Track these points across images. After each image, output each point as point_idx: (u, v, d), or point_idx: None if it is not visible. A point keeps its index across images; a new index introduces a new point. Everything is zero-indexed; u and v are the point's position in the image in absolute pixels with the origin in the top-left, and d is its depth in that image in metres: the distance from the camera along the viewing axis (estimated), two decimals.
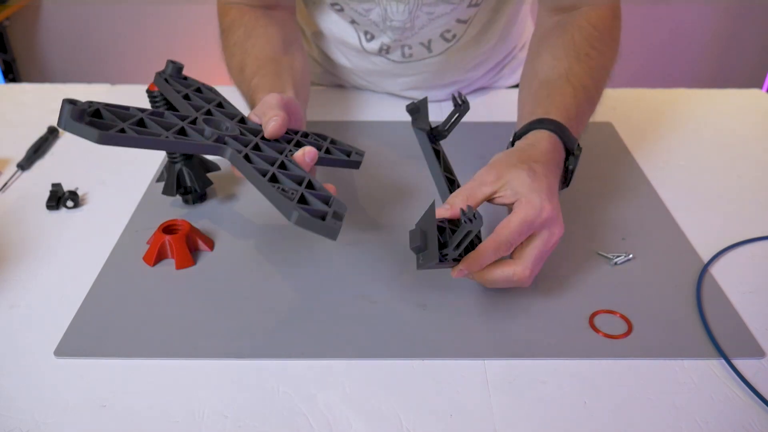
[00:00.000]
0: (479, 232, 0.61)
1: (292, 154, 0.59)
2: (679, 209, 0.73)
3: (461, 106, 0.66)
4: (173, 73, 0.66)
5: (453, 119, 0.67)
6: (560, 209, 0.59)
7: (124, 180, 0.77)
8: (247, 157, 0.56)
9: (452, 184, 0.65)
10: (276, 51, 0.78)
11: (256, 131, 0.62)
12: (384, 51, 0.90)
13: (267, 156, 0.57)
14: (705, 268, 0.63)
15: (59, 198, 0.72)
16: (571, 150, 0.65)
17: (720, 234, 0.69)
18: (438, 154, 0.67)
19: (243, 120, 0.63)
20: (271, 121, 0.61)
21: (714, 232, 0.69)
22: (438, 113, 0.95)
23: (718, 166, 0.82)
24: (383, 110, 0.96)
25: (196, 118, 0.59)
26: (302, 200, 0.53)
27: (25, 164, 0.80)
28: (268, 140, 0.61)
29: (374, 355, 0.53)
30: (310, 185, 0.56)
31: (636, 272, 0.63)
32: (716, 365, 0.53)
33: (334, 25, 0.90)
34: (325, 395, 0.50)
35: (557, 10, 0.79)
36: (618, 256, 0.64)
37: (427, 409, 0.49)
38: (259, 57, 0.76)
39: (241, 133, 0.60)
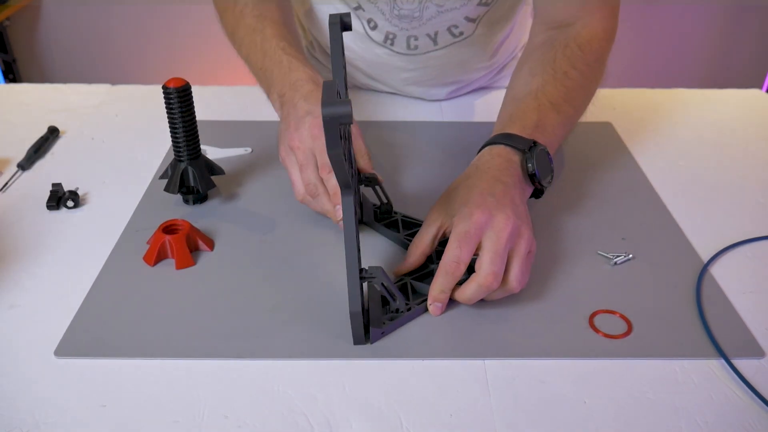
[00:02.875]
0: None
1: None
2: (679, 209, 0.73)
3: (367, 181, 0.67)
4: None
5: (379, 193, 0.68)
6: (507, 207, 0.58)
7: (124, 180, 0.77)
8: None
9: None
10: (289, 18, 0.81)
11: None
12: (389, 41, 0.89)
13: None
14: (705, 268, 0.63)
15: (59, 198, 0.72)
16: (523, 150, 0.64)
17: (720, 234, 0.69)
18: (396, 223, 0.68)
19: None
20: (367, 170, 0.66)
21: (714, 232, 0.69)
22: (438, 113, 0.95)
23: (718, 166, 0.82)
24: (384, 110, 0.96)
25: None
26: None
27: (25, 164, 0.80)
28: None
29: (374, 355, 0.53)
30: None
31: (636, 272, 0.63)
32: (716, 365, 0.53)
33: (339, 9, 0.90)
34: (325, 395, 0.50)
35: (550, 26, 0.79)
36: (618, 256, 0.64)
37: (427, 409, 0.49)
38: (277, 22, 0.78)
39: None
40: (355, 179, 0.60)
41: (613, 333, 0.55)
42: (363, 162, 0.67)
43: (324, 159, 0.65)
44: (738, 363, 0.53)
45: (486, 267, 0.55)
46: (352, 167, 0.57)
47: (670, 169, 0.81)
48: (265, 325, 0.56)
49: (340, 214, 0.65)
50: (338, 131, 0.45)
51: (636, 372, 0.52)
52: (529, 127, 0.67)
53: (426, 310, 0.57)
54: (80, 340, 0.54)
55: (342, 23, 0.57)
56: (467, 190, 0.61)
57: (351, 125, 0.60)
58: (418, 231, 0.63)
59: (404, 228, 0.67)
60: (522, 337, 0.55)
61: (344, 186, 0.52)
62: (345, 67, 0.58)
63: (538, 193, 0.66)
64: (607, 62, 0.78)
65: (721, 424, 0.48)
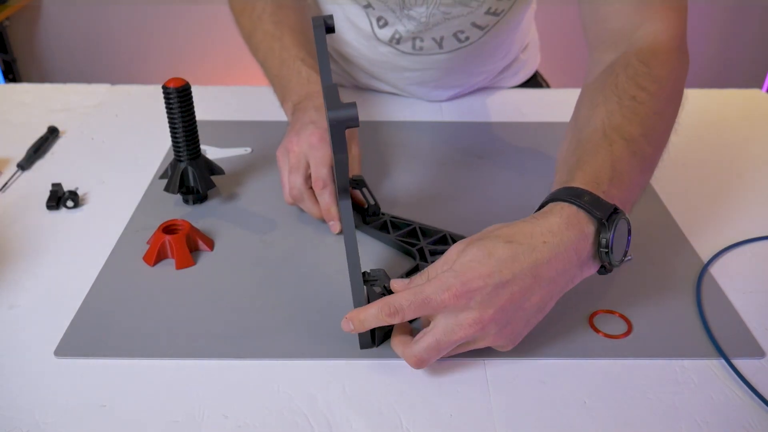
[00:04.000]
0: None
1: None
2: (679, 209, 0.73)
3: (354, 183, 0.67)
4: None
5: (366, 195, 0.68)
6: (493, 306, 0.47)
7: (124, 180, 0.77)
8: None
9: (409, 245, 0.65)
10: (306, 25, 0.80)
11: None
12: (395, 41, 0.89)
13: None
14: (705, 268, 0.63)
15: (59, 198, 0.72)
16: (601, 219, 0.50)
17: (720, 234, 0.69)
18: (385, 224, 0.67)
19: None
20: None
21: (714, 232, 0.69)
22: (438, 113, 0.95)
23: (718, 166, 0.82)
24: (385, 110, 0.96)
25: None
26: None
27: (25, 164, 0.80)
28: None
29: (374, 355, 0.53)
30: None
31: (636, 272, 0.63)
32: (716, 365, 0.53)
33: (347, 9, 0.90)
34: (325, 395, 0.50)
35: (606, 43, 0.67)
36: None
37: (427, 409, 0.49)
38: (294, 29, 0.78)
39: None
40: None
41: (613, 333, 0.55)
42: (355, 166, 0.68)
43: (318, 173, 0.65)
44: (738, 363, 0.53)
45: (416, 348, 0.49)
46: None
47: (670, 169, 0.81)
48: (265, 325, 0.56)
49: (334, 228, 0.66)
50: (344, 135, 0.45)
51: (636, 372, 0.52)
52: (604, 179, 0.53)
53: None
54: (80, 340, 0.54)
55: (326, 25, 0.57)
56: (486, 253, 0.48)
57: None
58: (407, 231, 0.64)
59: (394, 228, 0.67)
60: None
61: (343, 190, 0.52)
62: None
63: (602, 271, 0.53)
64: (685, 78, 0.64)
65: (721, 424, 0.48)
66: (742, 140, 0.89)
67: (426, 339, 0.49)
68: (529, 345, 0.54)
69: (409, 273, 0.61)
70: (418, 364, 0.49)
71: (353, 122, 0.44)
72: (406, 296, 0.48)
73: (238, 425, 0.47)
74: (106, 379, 0.51)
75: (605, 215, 0.50)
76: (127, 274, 0.62)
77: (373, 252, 0.66)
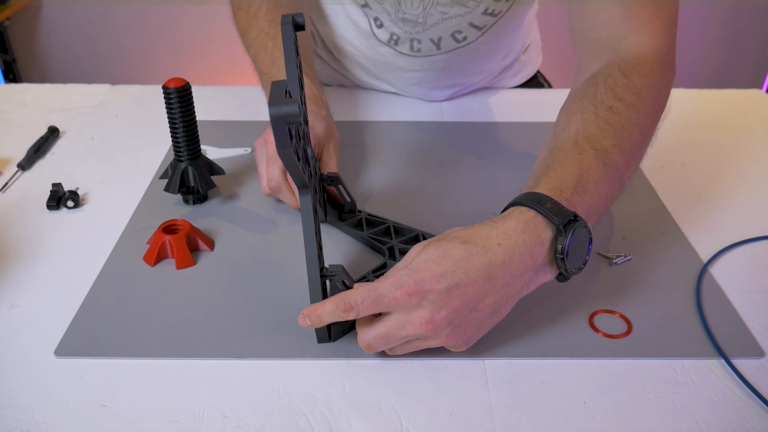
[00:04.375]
0: None
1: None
2: (679, 209, 0.73)
3: (329, 180, 0.67)
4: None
5: (342, 192, 0.68)
6: (448, 307, 0.47)
7: (124, 180, 0.77)
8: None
9: (380, 242, 0.65)
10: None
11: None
12: (393, 42, 0.89)
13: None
14: (705, 268, 0.63)
15: (59, 198, 0.72)
16: (559, 225, 0.50)
17: (720, 234, 0.69)
18: (360, 222, 0.68)
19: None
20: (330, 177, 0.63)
21: (714, 232, 0.69)
22: (438, 113, 0.95)
23: (718, 166, 0.82)
24: (384, 110, 0.96)
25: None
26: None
27: (25, 164, 0.80)
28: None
29: (374, 355, 0.53)
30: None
31: (636, 272, 0.63)
32: (716, 365, 0.53)
33: (347, 6, 0.90)
34: (325, 395, 0.50)
35: (593, 53, 0.67)
36: (618, 256, 0.64)
37: (427, 409, 0.49)
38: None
39: (309, 175, 0.56)
40: (315, 178, 0.61)
41: (613, 333, 0.55)
42: (331, 163, 0.68)
43: None
44: (738, 363, 0.53)
45: (367, 333, 0.50)
46: (309, 166, 0.57)
47: (670, 169, 0.81)
48: (265, 325, 0.56)
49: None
50: (287, 130, 0.45)
51: (636, 372, 0.52)
52: (567, 187, 0.53)
53: None
54: (80, 340, 0.54)
55: (294, 23, 0.56)
56: (441, 253, 0.48)
57: (303, 124, 0.59)
58: (381, 229, 0.65)
59: (368, 226, 0.67)
60: (522, 337, 0.55)
61: (300, 185, 0.52)
62: (300, 67, 0.58)
63: (561, 278, 0.53)
64: (668, 92, 0.65)
65: (721, 424, 0.48)
66: (742, 140, 0.89)
67: (377, 327, 0.49)
68: (529, 345, 0.54)
69: (376, 270, 0.61)
70: (366, 348, 0.50)
71: (294, 118, 0.45)
72: (361, 293, 0.48)
73: (238, 425, 0.47)
74: (106, 379, 0.51)
75: (563, 221, 0.50)
76: (127, 274, 0.62)
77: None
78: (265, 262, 0.64)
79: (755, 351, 0.54)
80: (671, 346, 0.54)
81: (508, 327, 0.56)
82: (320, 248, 0.55)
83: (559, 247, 0.50)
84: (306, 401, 0.49)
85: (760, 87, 2.21)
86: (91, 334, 0.55)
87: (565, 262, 0.51)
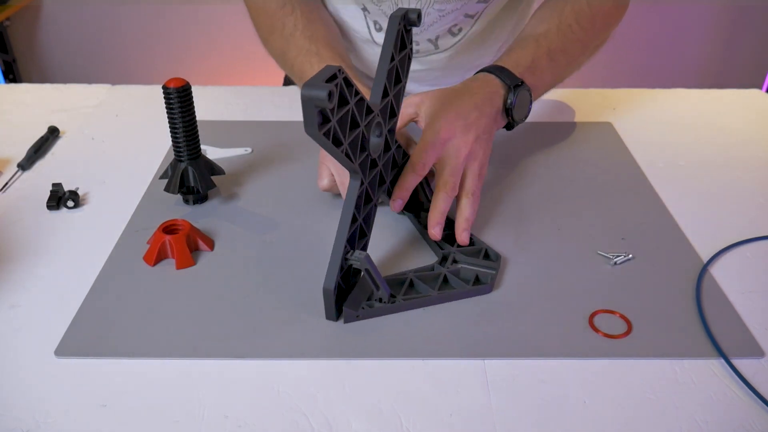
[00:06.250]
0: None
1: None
2: (679, 209, 0.73)
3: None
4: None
5: (426, 191, 0.69)
6: (471, 132, 0.66)
7: (124, 180, 0.77)
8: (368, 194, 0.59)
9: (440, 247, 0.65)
10: (336, 36, 0.85)
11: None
12: None
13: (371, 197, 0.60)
14: (705, 267, 0.63)
15: (59, 198, 0.72)
16: (510, 86, 0.70)
17: (720, 234, 0.69)
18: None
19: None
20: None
21: (714, 232, 0.69)
22: None
23: (718, 166, 0.82)
24: None
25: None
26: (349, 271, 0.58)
27: (25, 164, 0.80)
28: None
29: (374, 355, 0.53)
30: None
31: (636, 272, 0.63)
32: (716, 365, 0.53)
33: (344, 11, 0.90)
34: (325, 395, 0.50)
35: None
36: (618, 256, 0.64)
37: (427, 409, 0.49)
38: (327, 42, 0.80)
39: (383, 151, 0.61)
40: (384, 166, 0.62)
41: (613, 333, 0.55)
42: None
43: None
44: (738, 363, 0.53)
45: (446, 177, 0.64)
46: (367, 152, 0.57)
47: (670, 169, 0.81)
48: (265, 325, 0.56)
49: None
50: (314, 112, 0.47)
51: (636, 372, 0.52)
52: (522, 66, 0.73)
53: (416, 306, 0.58)
54: (80, 340, 0.54)
55: (406, 19, 0.59)
56: (448, 103, 0.68)
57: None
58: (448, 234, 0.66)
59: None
60: (522, 337, 0.55)
61: (351, 171, 0.56)
62: (399, 62, 0.60)
63: (509, 126, 0.74)
64: (613, 29, 0.84)
65: (721, 424, 0.48)
66: (742, 140, 0.89)
67: (443, 171, 0.65)
68: (529, 345, 0.54)
69: (418, 271, 0.61)
70: (453, 187, 0.64)
71: (321, 102, 0.47)
72: (417, 150, 0.64)
73: (238, 425, 0.47)
74: (106, 379, 0.51)
75: (512, 84, 0.71)
76: (127, 274, 0.62)
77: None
78: (265, 262, 0.64)
79: (755, 351, 0.54)
80: (671, 346, 0.54)
81: (508, 327, 0.56)
82: (363, 234, 0.60)
83: (509, 100, 0.71)
84: (306, 401, 0.49)
85: (760, 87, 2.21)
86: (91, 334, 0.55)
87: (512, 112, 0.71)
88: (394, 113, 0.61)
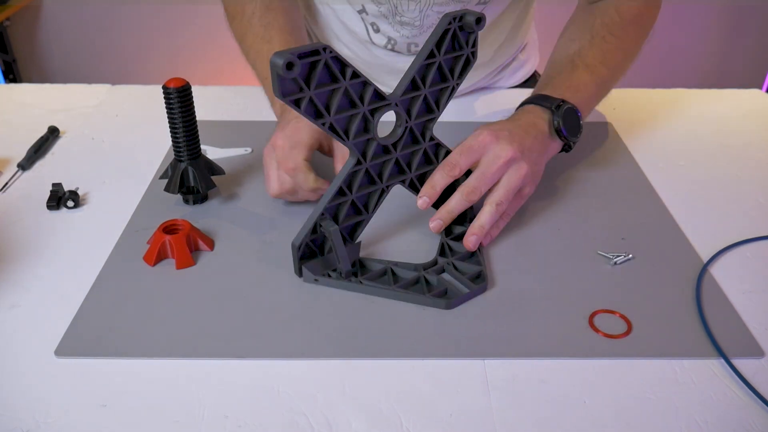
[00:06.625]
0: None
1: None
2: (679, 209, 0.73)
3: None
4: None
5: None
6: (515, 142, 0.64)
7: (124, 180, 0.77)
8: (368, 172, 0.61)
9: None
10: (296, 26, 0.82)
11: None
12: (390, 45, 0.89)
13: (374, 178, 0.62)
14: (704, 267, 0.63)
15: (60, 198, 0.72)
16: (549, 108, 0.70)
17: (719, 234, 0.69)
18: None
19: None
20: None
21: (714, 232, 0.69)
22: None
23: (718, 166, 0.82)
24: None
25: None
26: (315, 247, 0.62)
27: (25, 164, 0.80)
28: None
29: (374, 355, 0.53)
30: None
31: (636, 272, 0.63)
32: (716, 365, 0.53)
33: (341, 12, 0.90)
34: (325, 395, 0.50)
35: (594, 0, 0.81)
36: (618, 256, 0.64)
37: (427, 409, 0.49)
38: (283, 29, 0.79)
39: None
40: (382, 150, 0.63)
41: (613, 333, 0.55)
42: (340, 164, 0.69)
43: (311, 145, 0.67)
44: (738, 363, 0.53)
45: (471, 180, 0.63)
46: (370, 134, 0.60)
47: (670, 169, 0.81)
48: (265, 325, 0.56)
49: (324, 185, 0.67)
50: (276, 77, 0.51)
51: (636, 372, 0.52)
52: (561, 87, 0.73)
53: (373, 294, 0.59)
54: (80, 340, 0.54)
55: (462, 20, 0.60)
56: (486, 127, 0.66)
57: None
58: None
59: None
60: (522, 337, 0.55)
61: (348, 147, 0.59)
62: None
63: (566, 148, 0.72)
64: (650, 29, 0.81)
65: (721, 424, 0.48)
66: (742, 140, 0.89)
67: (473, 177, 0.63)
68: (529, 345, 0.54)
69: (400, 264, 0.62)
70: (473, 191, 0.63)
71: (278, 69, 0.50)
72: (455, 153, 0.63)
73: (238, 425, 0.47)
74: (106, 379, 0.51)
75: (553, 105, 0.70)
76: (127, 274, 0.62)
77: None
78: (265, 262, 0.64)
79: (755, 351, 0.54)
80: (671, 346, 0.54)
81: (508, 327, 0.56)
82: (357, 212, 0.63)
83: (555, 122, 0.69)
84: (306, 401, 0.49)
85: (760, 87, 2.21)
86: (91, 334, 0.55)
87: (563, 132, 0.69)
88: (430, 109, 0.63)
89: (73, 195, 0.72)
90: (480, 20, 0.59)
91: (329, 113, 0.56)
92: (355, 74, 0.56)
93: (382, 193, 0.63)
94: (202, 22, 2.34)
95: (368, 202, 0.63)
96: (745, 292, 0.61)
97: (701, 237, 0.68)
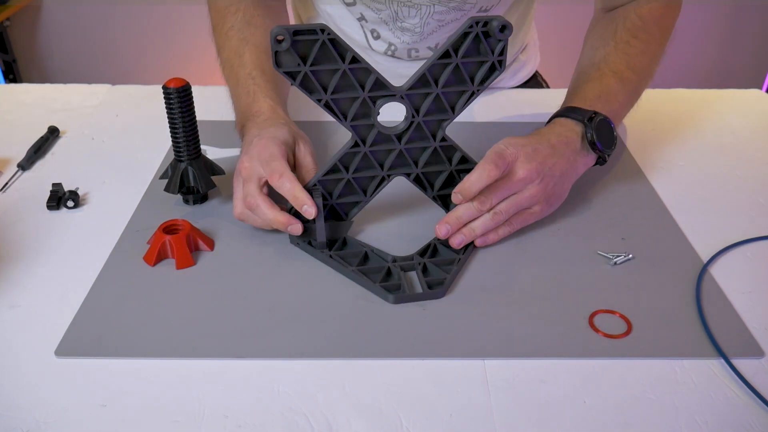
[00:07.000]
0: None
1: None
2: (679, 209, 0.73)
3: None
4: None
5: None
6: (544, 165, 0.64)
7: (124, 180, 0.77)
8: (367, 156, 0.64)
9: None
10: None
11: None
12: (390, 51, 0.90)
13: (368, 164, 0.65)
14: (704, 268, 0.63)
15: (60, 198, 0.72)
16: (582, 120, 0.68)
17: (719, 234, 0.69)
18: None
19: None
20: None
21: (714, 232, 0.69)
22: None
23: (717, 166, 0.82)
24: (385, 111, 0.95)
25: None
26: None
27: (25, 164, 0.80)
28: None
29: (374, 355, 0.53)
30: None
31: (636, 272, 0.63)
32: (716, 365, 0.53)
33: (340, 20, 0.90)
34: (325, 395, 0.50)
35: (609, 8, 0.81)
36: (618, 256, 0.64)
37: (427, 409, 0.49)
38: (258, 47, 0.77)
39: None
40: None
41: (613, 333, 0.55)
42: (307, 160, 0.67)
43: (272, 167, 0.63)
44: (738, 363, 0.53)
45: (484, 192, 0.62)
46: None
47: (670, 169, 0.81)
48: (265, 325, 0.56)
49: (309, 213, 0.62)
50: (273, 50, 0.56)
51: (636, 372, 0.52)
52: (590, 98, 0.71)
53: (337, 270, 0.62)
54: (80, 340, 0.54)
55: (487, 25, 0.59)
56: (513, 139, 0.64)
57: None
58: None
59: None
60: (522, 337, 0.55)
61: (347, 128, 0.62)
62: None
63: (601, 161, 0.70)
64: (672, 29, 0.80)
65: (720, 424, 0.48)
66: (742, 140, 0.89)
67: (492, 188, 0.63)
68: (529, 345, 0.54)
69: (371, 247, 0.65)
70: (479, 201, 0.63)
71: (271, 40, 0.55)
72: (491, 155, 0.62)
73: (238, 425, 0.48)
74: (106, 379, 0.51)
75: (585, 117, 0.68)
76: (127, 274, 0.62)
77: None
78: (265, 262, 0.64)
79: (755, 351, 0.54)
80: (671, 346, 0.54)
81: (508, 327, 0.56)
82: (353, 191, 0.65)
83: (588, 135, 0.67)
84: (306, 401, 0.49)
85: (760, 87, 2.21)
86: (91, 334, 0.55)
87: (596, 145, 0.68)
88: (443, 110, 0.63)
89: (73, 195, 0.72)
90: (505, 28, 0.58)
91: (326, 92, 0.59)
92: (355, 59, 0.58)
93: (383, 180, 0.65)
94: (202, 22, 2.32)
95: (368, 186, 0.66)
96: (745, 292, 0.61)
97: (701, 237, 0.68)
